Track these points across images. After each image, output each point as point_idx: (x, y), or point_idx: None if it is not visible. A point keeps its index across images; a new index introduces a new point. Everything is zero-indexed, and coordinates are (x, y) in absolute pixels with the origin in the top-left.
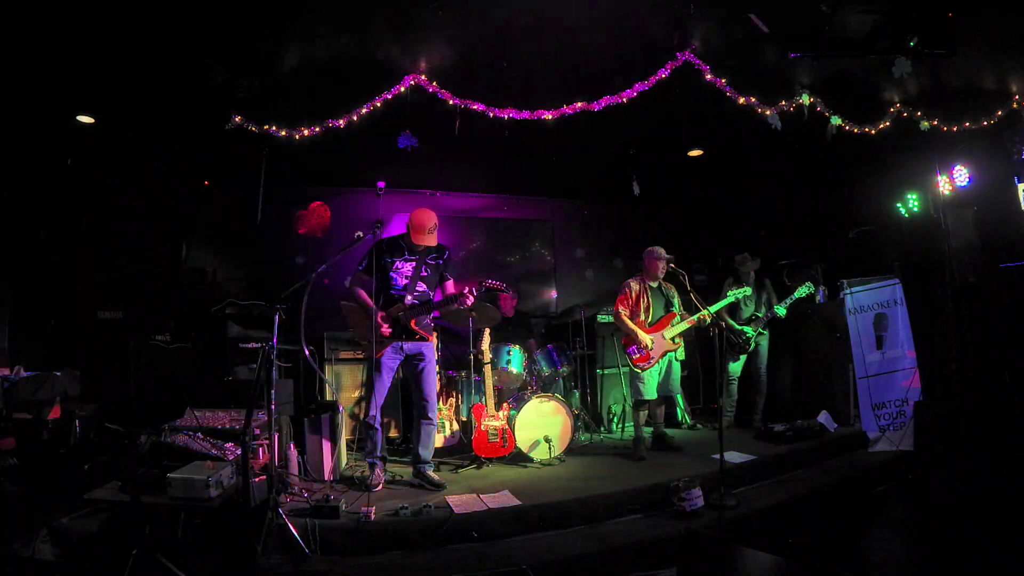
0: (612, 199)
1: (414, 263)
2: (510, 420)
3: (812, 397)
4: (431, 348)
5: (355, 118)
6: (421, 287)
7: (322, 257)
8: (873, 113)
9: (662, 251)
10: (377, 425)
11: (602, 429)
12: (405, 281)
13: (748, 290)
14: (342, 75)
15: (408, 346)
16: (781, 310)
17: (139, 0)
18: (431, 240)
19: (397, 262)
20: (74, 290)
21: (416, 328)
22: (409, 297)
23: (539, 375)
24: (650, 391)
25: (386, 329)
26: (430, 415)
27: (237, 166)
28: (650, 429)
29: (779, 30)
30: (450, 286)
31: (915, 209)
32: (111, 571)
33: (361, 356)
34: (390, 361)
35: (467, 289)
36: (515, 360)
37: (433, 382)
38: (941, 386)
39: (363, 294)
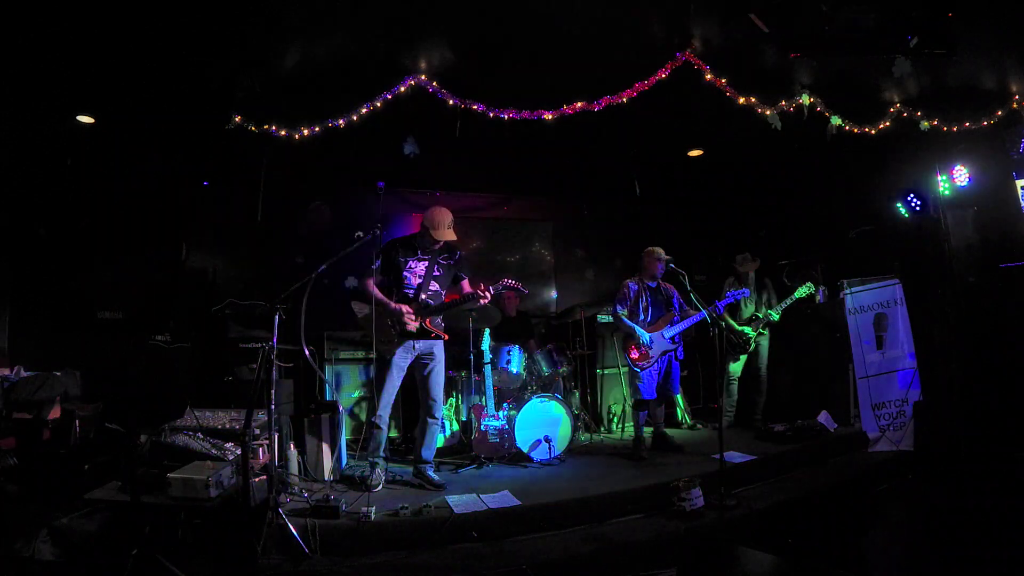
0: (612, 199)
1: (427, 262)
2: (510, 420)
3: (812, 397)
4: (442, 348)
5: (355, 118)
6: (434, 287)
7: (322, 257)
8: (873, 113)
9: (661, 252)
10: (383, 425)
11: (602, 429)
12: (418, 280)
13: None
14: (342, 75)
15: (420, 345)
16: (775, 315)
17: (139, 0)
18: (450, 235)
19: (411, 261)
20: (74, 290)
21: (430, 327)
22: (423, 296)
23: (539, 375)
24: (650, 391)
25: (414, 324)
26: (436, 415)
27: (237, 166)
28: (650, 429)
29: (779, 30)
30: (465, 285)
31: (915, 209)
32: (111, 571)
33: (361, 356)
34: (401, 360)
35: (482, 287)
36: (515, 360)
37: (441, 382)
38: (941, 386)
39: (379, 292)
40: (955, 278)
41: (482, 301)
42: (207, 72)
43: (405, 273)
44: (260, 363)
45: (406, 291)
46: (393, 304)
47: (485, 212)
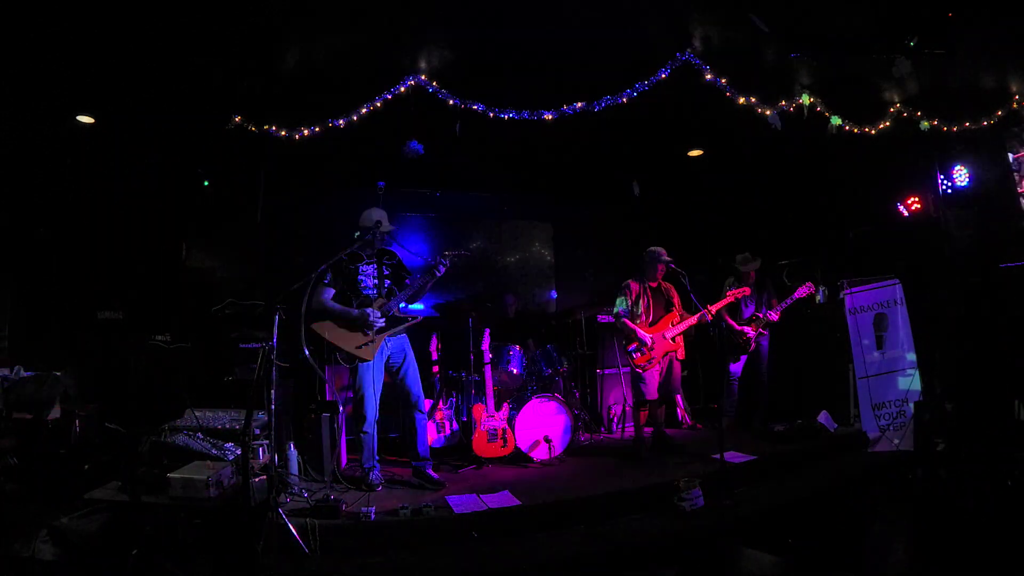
0: (612, 199)
1: (375, 265)
2: (510, 420)
3: (812, 397)
4: (408, 343)
5: (355, 118)
6: (388, 283)
7: (322, 257)
8: (873, 113)
9: (663, 252)
10: (371, 430)
11: (602, 429)
12: (374, 281)
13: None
14: (342, 75)
15: (391, 343)
16: (774, 317)
17: (139, 1)
18: (388, 227)
19: (361, 266)
20: (74, 290)
21: (400, 313)
22: (383, 290)
23: (539, 375)
24: (651, 391)
25: (381, 320)
26: (421, 407)
27: (237, 166)
28: (650, 429)
29: (779, 30)
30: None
31: (915, 209)
32: (111, 571)
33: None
34: (378, 362)
35: (436, 261)
36: (515, 360)
37: (417, 375)
38: (941, 386)
39: (338, 306)
40: (955, 278)
41: (440, 271)
42: (207, 72)
43: (360, 277)
44: (260, 363)
45: (368, 293)
46: (356, 312)
47: (485, 212)
